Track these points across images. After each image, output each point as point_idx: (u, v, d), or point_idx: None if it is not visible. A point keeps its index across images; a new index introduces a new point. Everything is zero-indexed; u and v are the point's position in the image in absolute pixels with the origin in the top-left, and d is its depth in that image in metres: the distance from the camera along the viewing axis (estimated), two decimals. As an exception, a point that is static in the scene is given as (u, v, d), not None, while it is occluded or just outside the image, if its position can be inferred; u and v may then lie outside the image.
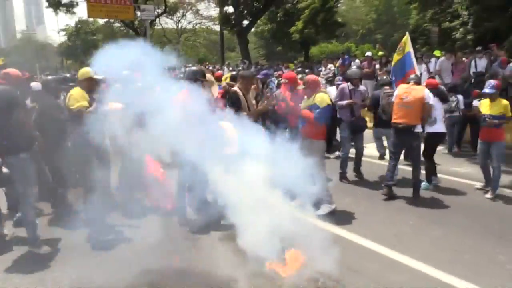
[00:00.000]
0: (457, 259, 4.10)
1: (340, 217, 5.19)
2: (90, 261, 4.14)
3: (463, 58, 10.88)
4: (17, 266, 4.14)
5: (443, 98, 6.56)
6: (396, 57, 7.95)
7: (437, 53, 11.79)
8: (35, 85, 6.23)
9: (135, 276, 3.79)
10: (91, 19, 45.07)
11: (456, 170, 7.41)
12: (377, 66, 12.71)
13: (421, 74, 10.54)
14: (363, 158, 7.17)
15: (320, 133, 5.17)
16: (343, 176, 6.89)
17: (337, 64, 14.24)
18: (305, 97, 5.38)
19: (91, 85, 4.79)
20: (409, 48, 7.66)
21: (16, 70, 5.34)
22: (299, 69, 11.46)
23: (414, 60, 7.69)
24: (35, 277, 3.88)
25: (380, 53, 13.71)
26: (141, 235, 4.63)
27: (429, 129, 6.28)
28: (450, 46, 17.19)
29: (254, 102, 5.56)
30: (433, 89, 6.28)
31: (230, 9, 28.29)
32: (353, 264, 3.97)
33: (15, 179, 4.33)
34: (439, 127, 6.32)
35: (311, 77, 5.54)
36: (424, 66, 11.25)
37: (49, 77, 6.79)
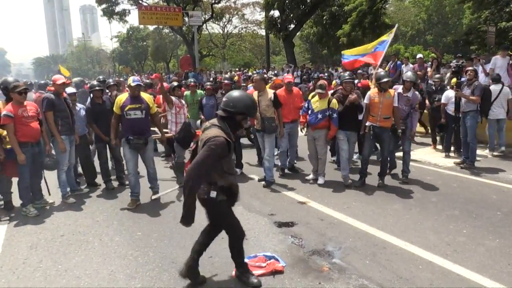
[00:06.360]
0: (516, 271, 3.89)
1: (390, 224, 5.08)
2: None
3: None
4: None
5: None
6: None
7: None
8: (68, 89, 6.87)
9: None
10: (141, 26, 46.98)
11: (514, 177, 7.02)
12: (429, 68, 12.26)
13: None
14: (414, 164, 6.91)
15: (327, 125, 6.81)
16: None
17: (387, 68, 13.58)
18: (317, 98, 6.72)
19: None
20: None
21: (61, 77, 6.27)
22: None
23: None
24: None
25: (432, 55, 13.22)
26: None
27: None
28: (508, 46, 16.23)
29: (268, 102, 6.71)
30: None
31: (275, 13, 28.37)
32: (403, 272, 3.87)
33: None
34: None
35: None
36: (480, 67, 10.75)
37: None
